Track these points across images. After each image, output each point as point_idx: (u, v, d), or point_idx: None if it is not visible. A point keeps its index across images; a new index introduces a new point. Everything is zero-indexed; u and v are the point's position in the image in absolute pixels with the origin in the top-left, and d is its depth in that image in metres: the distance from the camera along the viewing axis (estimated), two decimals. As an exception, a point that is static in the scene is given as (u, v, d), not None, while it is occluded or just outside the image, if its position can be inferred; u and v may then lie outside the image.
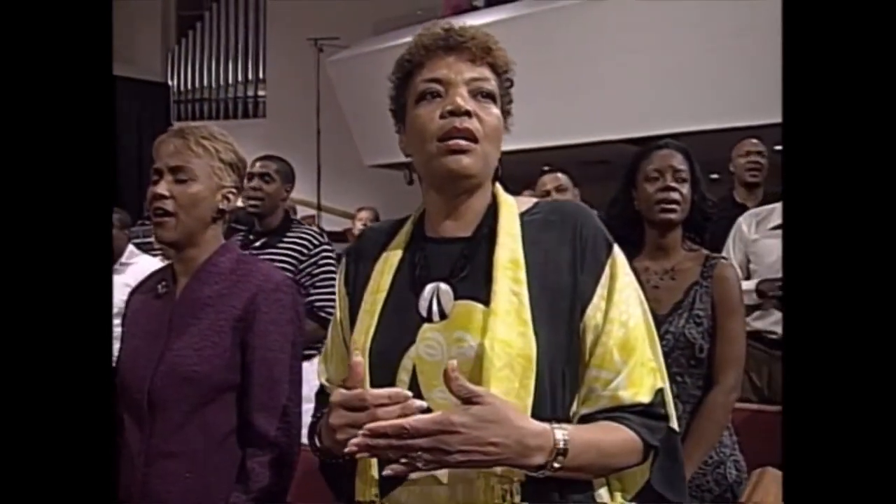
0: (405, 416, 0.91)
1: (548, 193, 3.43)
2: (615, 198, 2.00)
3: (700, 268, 1.89)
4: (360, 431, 0.90)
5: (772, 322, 2.83)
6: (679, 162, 1.90)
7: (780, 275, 2.70)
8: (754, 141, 3.62)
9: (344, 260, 1.22)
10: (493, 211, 1.11)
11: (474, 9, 7.69)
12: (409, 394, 0.94)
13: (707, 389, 1.83)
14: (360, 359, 0.99)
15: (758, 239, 2.94)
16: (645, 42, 6.33)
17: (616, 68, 6.51)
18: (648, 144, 2.00)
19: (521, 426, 0.92)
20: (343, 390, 0.97)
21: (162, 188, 1.47)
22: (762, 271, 2.86)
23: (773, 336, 2.83)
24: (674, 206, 1.87)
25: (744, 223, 3.00)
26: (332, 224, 8.18)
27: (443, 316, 1.05)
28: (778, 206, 2.97)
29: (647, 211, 1.91)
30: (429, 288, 1.07)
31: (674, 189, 1.88)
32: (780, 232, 2.83)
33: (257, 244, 3.09)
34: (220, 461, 1.44)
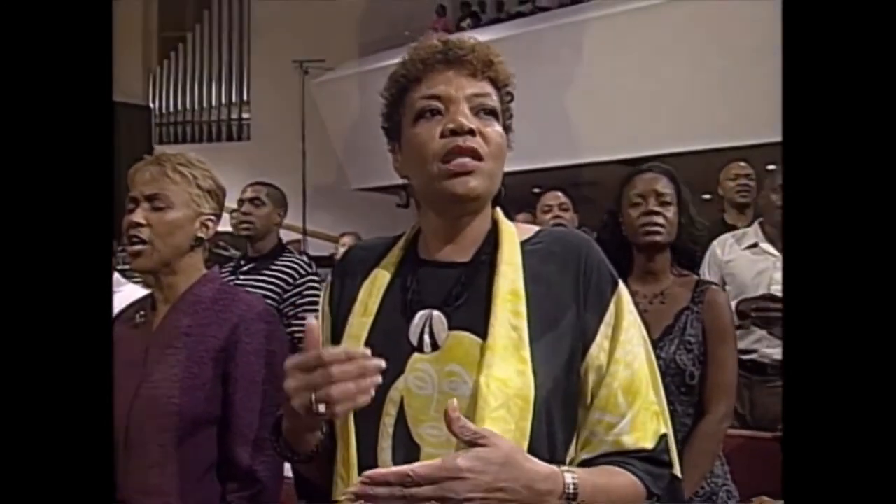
0: (363, 375, 0.84)
1: (550, 210, 3.41)
2: (604, 223, 1.99)
3: (690, 293, 1.87)
4: (360, 479, 0.84)
5: (752, 341, 2.79)
6: (663, 185, 1.89)
7: (756, 292, 2.71)
8: (742, 164, 3.66)
9: (329, 278, 1.14)
10: (493, 237, 1.05)
11: (461, 30, 7.76)
12: (367, 351, 0.86)
13: (697, 417, 1.80)
14: (315, 322, 0.91)
15: (731, 260, 2.94)
16: (635, 64, 6.40)
17: (606, 90, 6.57)
18: (634, 168, 1.99)
19: (529, 468, 0.87)
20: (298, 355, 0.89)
21: (138, 216, 1.45)
22: (735, 290, 2.84)
23: (753, 357, 2.80)
24: (657, 229, 1.86)
25: (717, 247, 3.00)
26: (317, 249, 8.13)
27: (435, 346, 0.98)
28: (750, 228, 3.00)
29: (633, 235, 1.90)
30: (421, 315, 1.00)
31: (657, 213, 1.86)
32: (753, 251, 2.88)
33: (245, 268, 3.09)
34: (200, 497, 1.39)
